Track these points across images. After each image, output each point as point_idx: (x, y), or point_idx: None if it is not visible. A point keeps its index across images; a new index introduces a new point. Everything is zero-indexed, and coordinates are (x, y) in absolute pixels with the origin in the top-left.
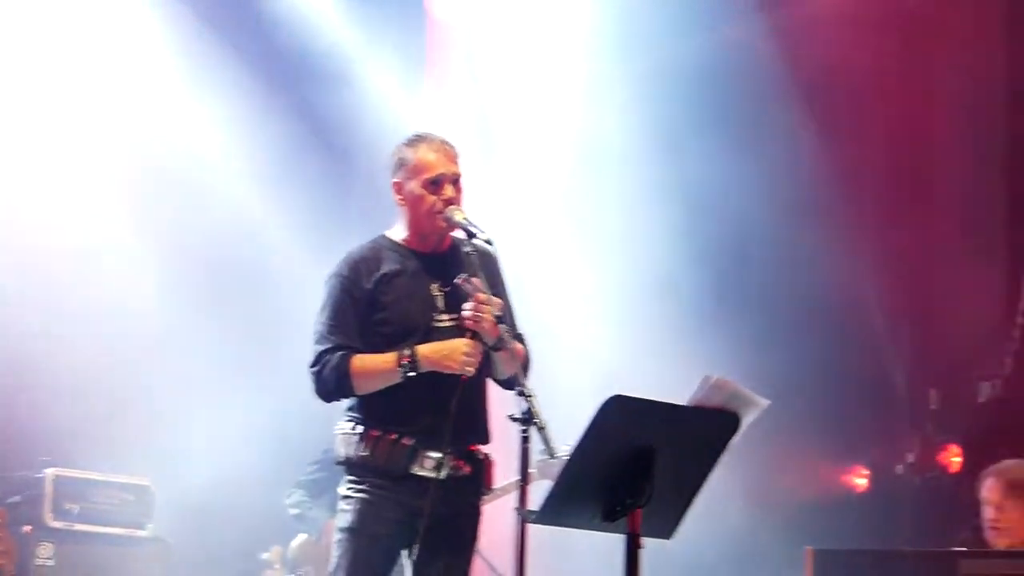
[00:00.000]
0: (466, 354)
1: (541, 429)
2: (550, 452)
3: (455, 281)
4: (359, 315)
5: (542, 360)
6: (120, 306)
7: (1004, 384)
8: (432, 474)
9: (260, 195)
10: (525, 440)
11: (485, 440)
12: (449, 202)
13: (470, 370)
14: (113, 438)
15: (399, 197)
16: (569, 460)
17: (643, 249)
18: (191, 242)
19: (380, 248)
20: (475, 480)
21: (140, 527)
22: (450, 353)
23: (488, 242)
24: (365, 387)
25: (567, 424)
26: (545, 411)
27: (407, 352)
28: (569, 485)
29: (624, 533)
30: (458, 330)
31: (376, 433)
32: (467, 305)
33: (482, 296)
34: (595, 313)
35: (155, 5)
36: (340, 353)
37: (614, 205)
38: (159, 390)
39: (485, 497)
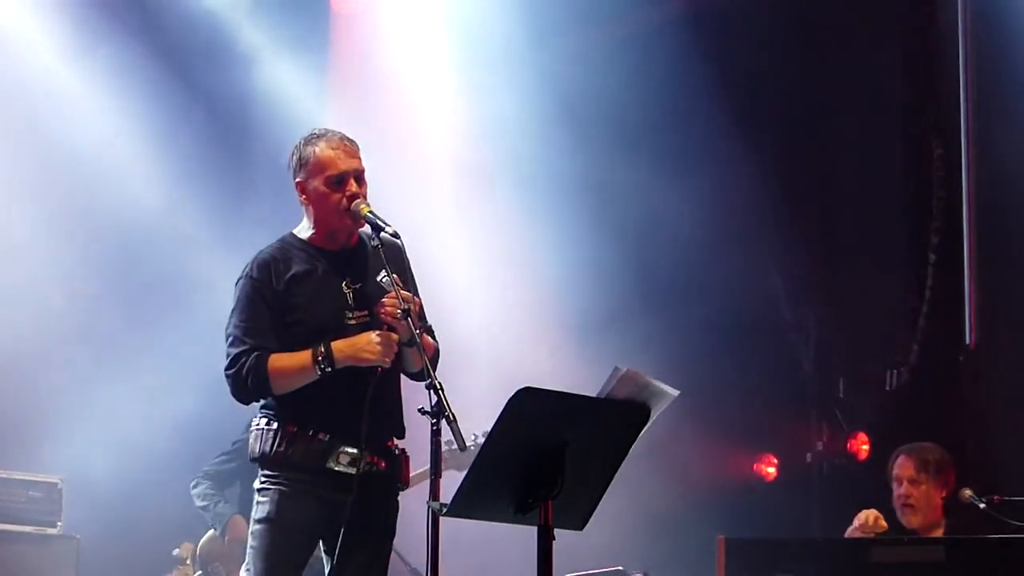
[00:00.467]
0: (380, 344)
1: (451, 422)
2: (460, 445)
3: (377, 280)
4: (272, 316)
5: (448, 355)
6: (23, 301)
7: (910, 372)
8: (348, 470)
9: (163, 184)
10: (435, 433)
11: (400, 434)
12: (353, 198)
13: (387, 360)
14: (21, 436)
15: (303, 196)
16: (480, 453)
17: (550, 243)
18: (93, 234)
19: (288, 248)
20: (391, 475)
21: (50, 525)
22: (365, 345)
23: (395, 235)
24: (283, 386)
25: (472, 418)
26: (454, 405)
27: (322, 349)
28: (480, 478)
29: (536, 525)
30: (369, 327)
31: (292, 429)
32: (387, 300)
33: (403, 292)
34: (501, 308)
35: None
36: (256, 354)
37: (519, 199)
38: (65, 386)
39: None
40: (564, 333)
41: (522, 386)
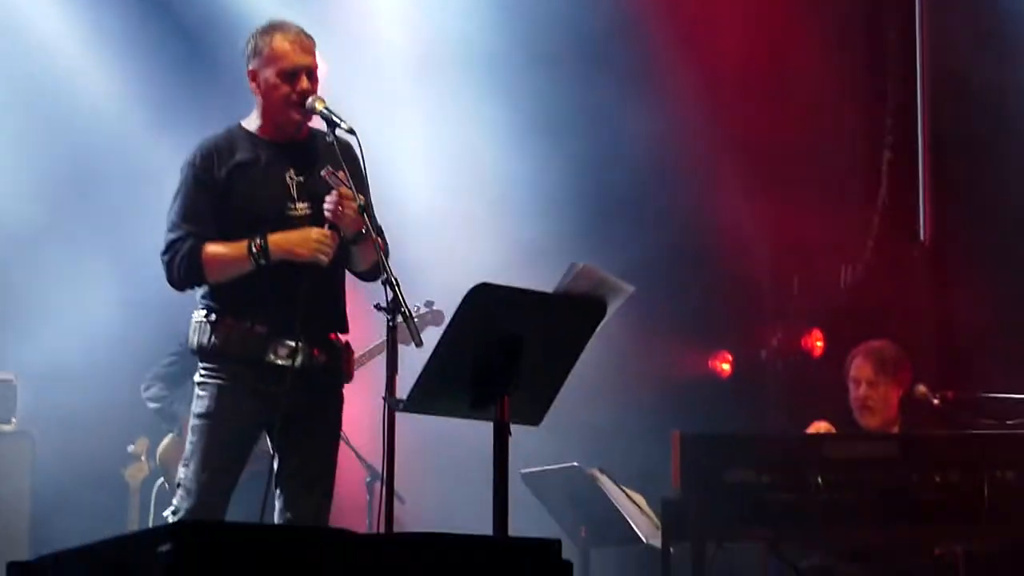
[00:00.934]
0: (318, 242)
1: (407, 318)
2: (416, 341)
3: (321, 174)
4: (212, 203)
5: (402, 250)
6: None
7: (865, 268)
8: (286, 362)
9: (115, 83)
10: (391, 329)
11: (343, 328)
12: (303, 94)
13: (323, 259)
14: None
15: (253, 85)
16: (436, 348)
17: (506, 158)
18: (47, 136)
19: (234, 137)
20: (332, 368)
21: (4, 421)
22: (301, 241)
23: (351, 131)
24: (216, 275)
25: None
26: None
27: (258, 240)
28: (437, 373)
29: (492, 420)
30: (313, 220)
31: (229, 321)
32: (329, 197)
33: (345, 190)
34: (457, 210)
35: None
36: (191, 241)
37: (476, 115)
38: (20, 284)
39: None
40: (514, 234)
41: (479, 281)
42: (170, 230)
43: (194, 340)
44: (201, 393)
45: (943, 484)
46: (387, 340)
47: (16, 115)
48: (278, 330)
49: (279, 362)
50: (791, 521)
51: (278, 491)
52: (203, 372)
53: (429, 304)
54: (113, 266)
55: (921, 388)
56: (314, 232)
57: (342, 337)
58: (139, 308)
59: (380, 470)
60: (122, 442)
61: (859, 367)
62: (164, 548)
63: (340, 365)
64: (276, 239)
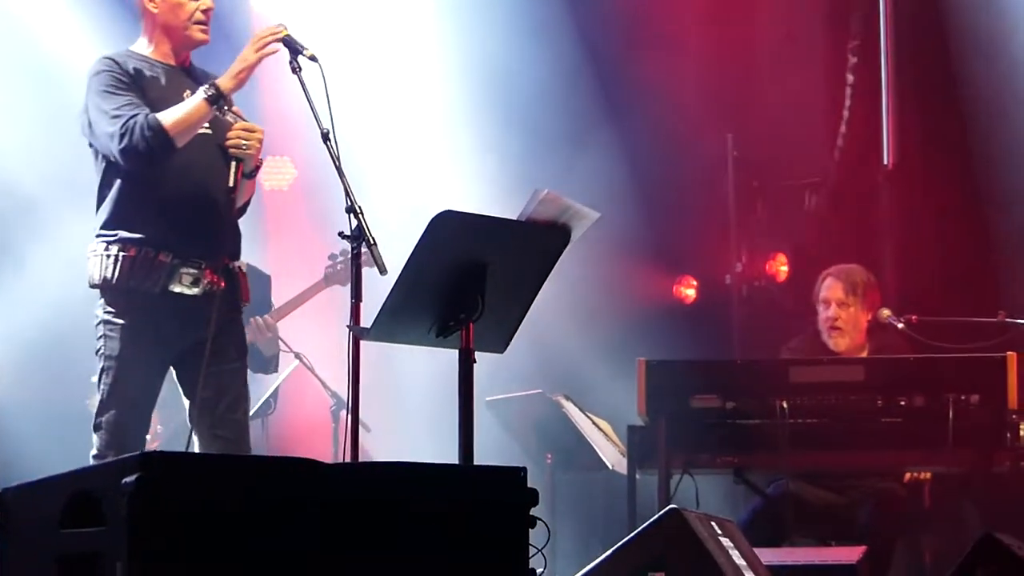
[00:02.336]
0: (254, 40)
1: (371, 246)
2: (380, 269)
3: (217, 114)
4: (138, 94)
5: (365, 182)
6: None
7: (829, 193)
8: (191, 290)
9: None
10: (356, 257)
11: (237, 254)
12: (208, 12)
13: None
14: None
15: (151, 5)
16: (400, 276)
17: (467, 70)
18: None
19: (129, 57)
20: (231, 294)
21: None
22: (241, 59)
23: (313, 59)
24: (181, 131)
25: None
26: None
27: (205, 85)
28: (401, 301)
29: (457, 348)
30: (213, 140)
31: (132, 252)
32: (231, 133)
33: (245, 123)
34: (420, 130)
35: None
36: (143, 114)
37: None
38: None
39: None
40: (476, 161)
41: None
42: (113, 123)
43: (96, 275)
44: (108, 333)
45: (908, 408)
46: (351, 268)
47: None
48: (183, 258)
49: (184, 291)
50: (757, 447)
51: (193, 425)
52: (107, 309)
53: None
54: (71, 225)
55: (885, 312)
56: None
57: (237, 264)
58: None
59: (345, 398)
60: (85, 373)
61: (830, 288)
62: (129, 479)
63: (238, 290)
64: (221, 78)
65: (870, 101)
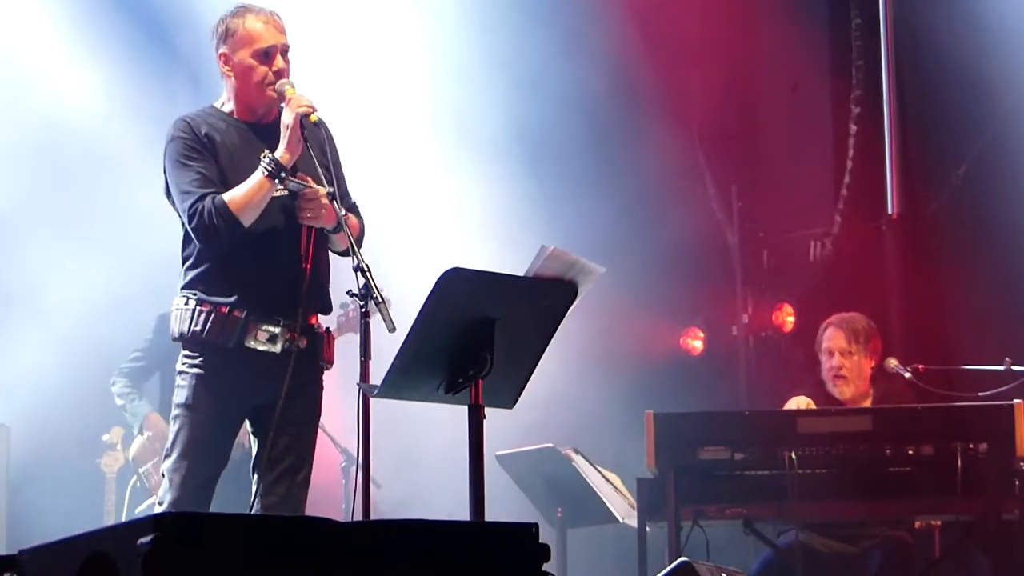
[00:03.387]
0: (299, 105)
1: (379, 304)
2: (389, 326)
3: (294, 184)
4: (209, 165)
5: (377, 236)
6: None
7: (834, 243)
8: (269, 348)
9: (89, 80)
10: (364, 315)
11: (326, 311)
12: (280, 74)
13: (310, 109)
14: None
15: (227, 68)
16: (409, 333)
17: (474, 124)
18: (18, 133)
19: (207, 116)
20: (313, 354)
21: None
22: (284, 124)
23: (318, 124)
24: (248, 212)
25: (405, 299)
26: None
27: (266, 159)
28: (410, 358)
29: (467, 404)
30: (289, 198)
31: (207, 307)
32: (300, 204)
33: (311, 189)
34: (430, 192)
35: None
36: (209, 197)
37: (446, 79)
38: None
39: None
40: (485, 218)
41: (450, 266)
42: (184, 201)
43: (175, 327)
44: (181, 382)
45: (916, 457)
46: (360, 327)
47: None
48: (258, 314)
49: (260, 348)
50: (766, 498)
51: (256, 477)
52: (184, 360)
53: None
54: (87, 262)
55: (892, 361)
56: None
57: (323, 322)
58: (113, 302)
59: (355, 455)
60: (97, 432)
61: (832, 337)
62: (145, 540)
63: (321, 350)
64: (280, 151)
65: (873, 150)
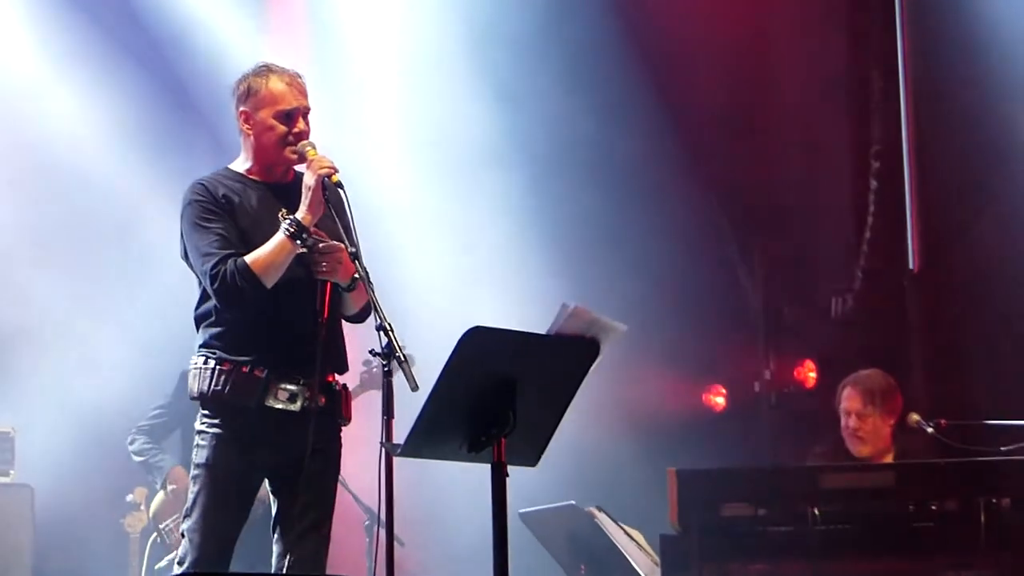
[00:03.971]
0: (320, 167)
1: (402, 363)
2: (412, 385)
3: (311, 239)
4: (228, 226)
5: (395, 295)
6: None
7: (855, 298)
8: (288, 406)
9: (101, 136)
10: (387, 374)
11: (342, 369)
12: (300, 135)
13: (331, 170)
14: None
15: (247, 127)
16: (432, 392)
17: (487, 179)
18: (41, 190)
19: (222, 178)
20: (332, 411)
21: (3, 473)
22: (307, 186)
23: (339, 185)
24: (271, 273)
25: (426, 358)
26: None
27: (286, 221)
28: (433, 417)
29: (490, 463)
30: (303, 258)
31: (227, 366)
32: (316, 257)
33: (324, 245)
34: (447, 249)
35: None
36: (231, 259)
37: (456, 138)
38: (17, 337)
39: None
40: (505, 277)
41: (472, 325)
42: (205, 263)
43: (194, 387)
44: (201, 442)
45: (939, 512)
46: (383, 385)
47: (11, 165)
48: (278, 373)
49: (279, 406)
50: (790, 554)
51: (277, 535)
52: (203, 420)
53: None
54: (111, 320)
55: (914, 416)
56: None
57: (339, 379)
58: (135, 358)
59: (378, 513)
60: (120, 492)
61: (848, 398)
62: None
63: (339, 408)
64: (300, 211)
65: (894, 205)
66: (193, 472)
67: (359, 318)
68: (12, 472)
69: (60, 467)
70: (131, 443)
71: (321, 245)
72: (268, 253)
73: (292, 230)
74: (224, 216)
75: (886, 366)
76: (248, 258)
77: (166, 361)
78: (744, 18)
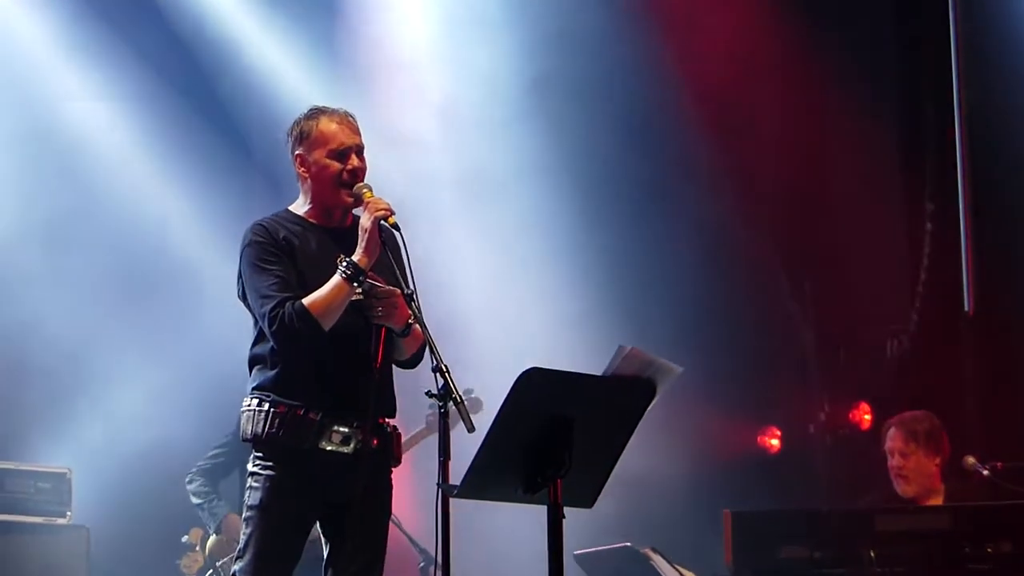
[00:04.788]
0: (377, 209)
1: (458, 404)
2: (468, 427)
3: (367, 283)
4: (286, 268)
5: (453, 335)
6: (33, 295)
7: (910, 340)
8: (341, 448)
9: (157, 181)
10: (443, 416)
11: (392, 412)
12: (355, 172)
13: (386, 214)
14: (30, 427)
15: (302, 169)
16: (488, 433)
17: (544, 223)
18: (98, 234)
19: (282, 220)
20: (383, 452)
21: (59, 515)
22: (363, 227)
23: (395, 227)
24: (329, 317)
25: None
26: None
27: (344, 263)
28: (490, 458)
29: (546, 504)
30: (361, 304)
31: (282, 409)
32: (372, 301)
33: (379, 290)
34: (504, 290)
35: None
36: (289, 302)
37: (516, 182)
38: (73, 378)
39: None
40: (562, 318)
41: (529, 366)
42: (263, 306)
43: (247, 429)
44: (254, 484)
45: (995, 555)
46: (439, 426)
47: (70, 219)
48: (332, 416)
49: (332, 448)
50: None
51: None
52: (256, 461)
53: (468, 392)
54: (165, 361)
55: (970, 459)
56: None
57: (390, 421)
58: (190, 400)
59: (433, 555)
60: (176, 532)
61: (892, 437)
62: None
63: (391, 449)
64: (356, 254)
65: (949, 247)
66: (246, 514)
67: (410, 364)
68: (69, 513)
69: (116, 508)
70: (189, 483)
71: (378, 290)
72: (325, 296)
73: (349, 272)
74: (283, 258)
75: (941, 408)
76: (306, 300)
77: (225, 401)
78: (803, 70)
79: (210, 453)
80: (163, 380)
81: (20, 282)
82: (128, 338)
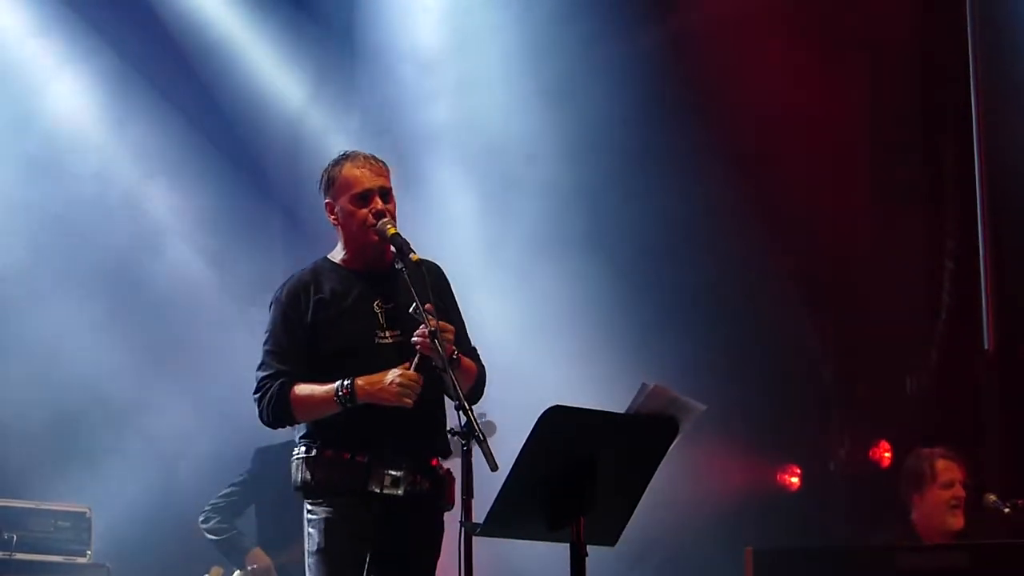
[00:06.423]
0: (401, 387)
1: (481, 442)
2: (491, 465)
3: (409, 311)
4: (299, 341)
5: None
6: (53, 339)
7: (930, 377)
8: (393, 491)
9: (176, 217)
10: (466, 454)
11: (444, 454)
12: (380, 213)
13: (407, 402)
14: (50, 466)
15: (332, 216)
16: (511, 471)
17: (566, 262)
18: (114, 270)
19: (320, 270)
20: (436, 495)
21: (80, 554)
22: (386, 386)
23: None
24: (305, 416)
25: (506, 436)
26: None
27: (345, 384)
28: (513, 496)
29: (569, 542)
30: (402, 346)
31: (329, 454)
32: (418, 331)
33: (433, 322)
34: (527, 328)
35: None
36: (280, 381)
37: (534, 220)
38: (93, 418)
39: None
40: (584, 354)
41: (551, 404)
42: (259, 368)
43: (297, 478)
44: (311, 531)
45: None
46: (462, 465)
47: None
48: (380, 459)
49: (383, 491)
50: None
51: None
52: (310, 508)
53: (481, 416)
54: (186, 398)
55: (991, 496)
56: (397, 376)
57: (444, 464)
58: (210, 439)
59: None
60: (196, 571)
61: (949, 469)
62: None
63: (443, 492)
64: (361, 383)
65: (969, 285)
66: (308, 560)
67: (472, 399)
68: (89, 552)
69: (136, 547)
70: (204, 521)
71: (431, 321)
72: (312, 399)
73: (343, 396)
74: (297, 328)
75: (961, 445)
76: (296, 390)
77: (240, 439)
78: (830, 95)
79: (224, 492)
80: (183, 417)
81: (40, 319)
82: (148, 374)
